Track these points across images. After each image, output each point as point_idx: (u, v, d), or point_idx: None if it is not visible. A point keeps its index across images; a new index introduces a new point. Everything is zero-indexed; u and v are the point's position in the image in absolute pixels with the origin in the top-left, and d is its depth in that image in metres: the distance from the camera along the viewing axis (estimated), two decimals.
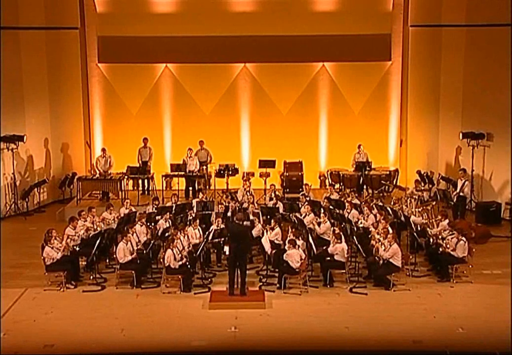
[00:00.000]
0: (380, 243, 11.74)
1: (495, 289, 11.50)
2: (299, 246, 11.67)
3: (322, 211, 13.72)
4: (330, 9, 18.64)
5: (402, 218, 13.50)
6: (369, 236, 12.49)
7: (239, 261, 11.11)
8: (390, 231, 12.16)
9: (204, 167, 17.67)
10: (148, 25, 18.55)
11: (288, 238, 11.82)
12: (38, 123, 18.02)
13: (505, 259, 12.86)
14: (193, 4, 18.60)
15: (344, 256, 11.74)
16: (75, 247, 12.23)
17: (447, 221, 13.16)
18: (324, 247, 12.05)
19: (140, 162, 17.66)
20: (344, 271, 11.84)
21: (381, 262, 11.59)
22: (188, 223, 13.20)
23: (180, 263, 11.54)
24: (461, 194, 15.53)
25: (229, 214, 13.77)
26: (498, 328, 9.72)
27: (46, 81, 18.19)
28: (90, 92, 19.12)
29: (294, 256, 11.40)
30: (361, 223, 13.32)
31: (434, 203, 14.87)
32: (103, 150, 17.57)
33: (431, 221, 13.36)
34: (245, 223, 12.28)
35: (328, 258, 11.87)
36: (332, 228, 12.63)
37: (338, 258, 11.77)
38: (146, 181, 17.64)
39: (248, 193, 15.32)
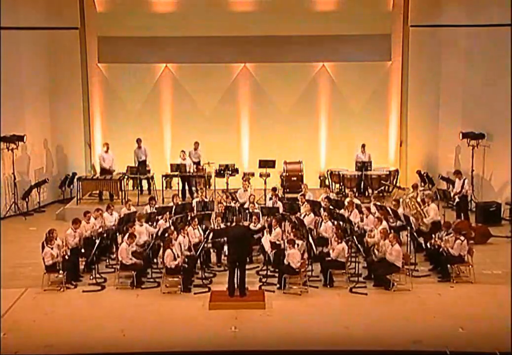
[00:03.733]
0: (378, 240, 11.78)
1: (495, 289, 11.50)
2: (298, 245, 11.68)
3: (322, 210, 13.72)
4: (330, 9, 18.64)
5: (402, 218, 13.49)
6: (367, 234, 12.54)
7: (239, 262, 11.11)
8: (388, 231, 12.17)
9: (201, 167, 17.60)
10: (148, 25, 18.57)
11: (287, 239, 11.82)
12: (38, 123, 18.02)
13: (505, 259, 12.85)
14: (193, 4, 18.61)
15: (344, 256, 11.74)
16: (65, 255, 11.95)
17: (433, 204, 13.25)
18: (325, 249, 12.06)
19: (137, 162, 17.64)
20: (344, 271, 11.84)
21: (375, 259, 11.61)
22: (188, 223, 13.21)
23: (176, 262, 11.48)
24: (463, 193, 15.43)
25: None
26: (498, 328, 9.72)
27: (46, 81, 18.20)
28: (90, 92, 19.12)
29: (295, 256, 11.40)
30: (357, 223, 13.33)
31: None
32: (107, 145, 17.54)
33: (419, 209, 13.29)
34: (245, 224, 12.29)
35: (328, 258, 11.87)
36: (332, 227, 12.63)
37: (339, 258, 11.76)
38: (146, 181, 17.62)
39: (248, 194, 15.28)
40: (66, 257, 11.81)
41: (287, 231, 12.56)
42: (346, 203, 14.20)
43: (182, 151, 17.25)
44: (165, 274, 11.66)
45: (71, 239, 12.33)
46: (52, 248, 11.65)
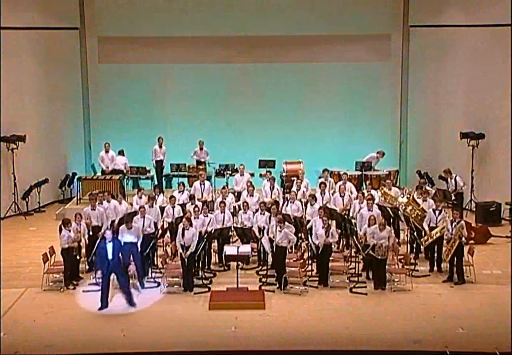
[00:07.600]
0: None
1: (495, 289, 11.50)
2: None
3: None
4: (330, 10, 18.67)
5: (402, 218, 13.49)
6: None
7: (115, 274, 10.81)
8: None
9: (203, 167, 17.59)
10: (148, 25, 18.60)
11: (278, 218, 11.81)
12: (38, 123, 18.02)
13: (505, 259, 12.85)
14: (193, 4, 18.65)
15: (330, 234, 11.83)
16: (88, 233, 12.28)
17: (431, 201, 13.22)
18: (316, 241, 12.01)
19: (154, 161, 17.65)
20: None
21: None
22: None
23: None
24: (459, 191, 15.37)
25: None
26: (498, 328, 9.72)
27: (46, 81, 18.19)
28: (90, 92, 19.13)
29: (289, 232, 11.55)
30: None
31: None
32: (107, 145, 17.51)
33: (418, 209, 13.20)
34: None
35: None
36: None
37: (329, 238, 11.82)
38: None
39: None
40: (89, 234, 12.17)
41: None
42: None
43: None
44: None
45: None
46: (69, 231, 11.68)
